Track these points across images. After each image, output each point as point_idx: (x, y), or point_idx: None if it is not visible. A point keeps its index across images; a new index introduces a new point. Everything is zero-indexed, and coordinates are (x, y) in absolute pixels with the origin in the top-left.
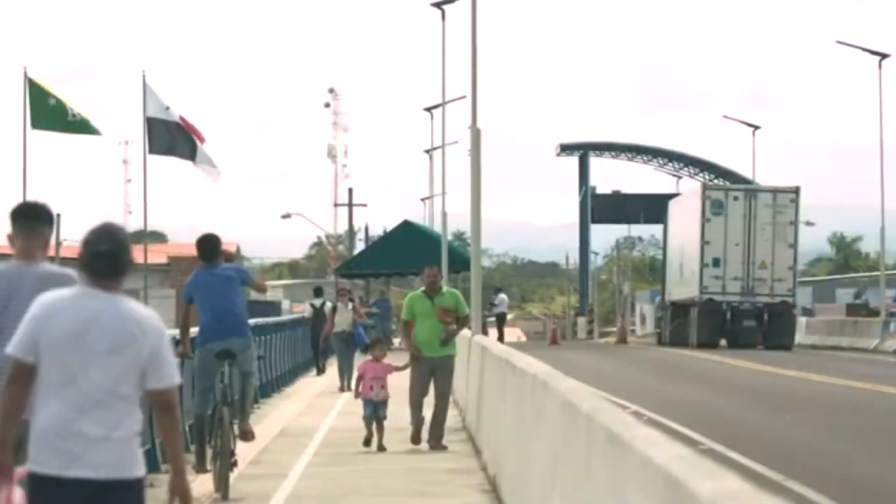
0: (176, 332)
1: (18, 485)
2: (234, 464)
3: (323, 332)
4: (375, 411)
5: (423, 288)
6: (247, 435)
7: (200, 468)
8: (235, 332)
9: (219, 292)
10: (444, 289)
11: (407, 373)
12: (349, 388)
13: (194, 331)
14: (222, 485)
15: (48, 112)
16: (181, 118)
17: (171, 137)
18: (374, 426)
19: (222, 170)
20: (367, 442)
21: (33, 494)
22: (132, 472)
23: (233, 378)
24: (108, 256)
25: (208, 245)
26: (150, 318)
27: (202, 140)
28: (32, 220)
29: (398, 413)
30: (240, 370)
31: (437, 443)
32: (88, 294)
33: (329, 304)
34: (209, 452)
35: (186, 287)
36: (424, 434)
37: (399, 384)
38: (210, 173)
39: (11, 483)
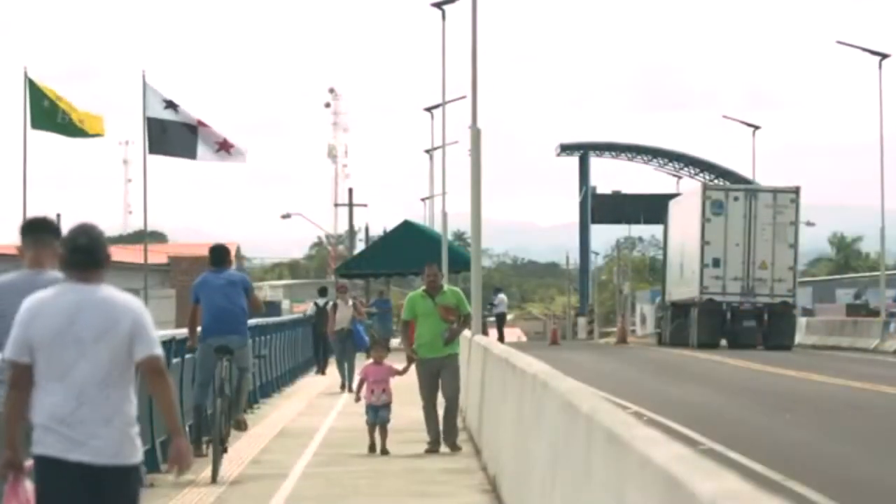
0: (174, 331)
1: (27, 476)
2: (225, 450)
3: (328, 328)
4: (377, 415)
5: (423, 287)
6: (240, 424)
7: (197, 453)
8: (233, 330)
9: (222, 293)
10: (445, 287)
11: (410, 373)
12: (350, 390)
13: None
14: (212, 469)
15: (44, 113)
16: (198, 121)
17: (173, 137)
18: (376, 431)
19: (223, 170)
20: (371, 449)
21: (39, 475)
22: (129, 460)
23: (230, 373)
24: (85, 250)
25: (218, 252)
26: (128, 299)
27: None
28: (41, 232)
29: (397, 412)
30: (237, 366)
31: (451, 444)
32: (70, 289)
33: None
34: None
35: (193, 288)
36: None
37: (401, 383)
38: (234, 158)
39: (23, 477)
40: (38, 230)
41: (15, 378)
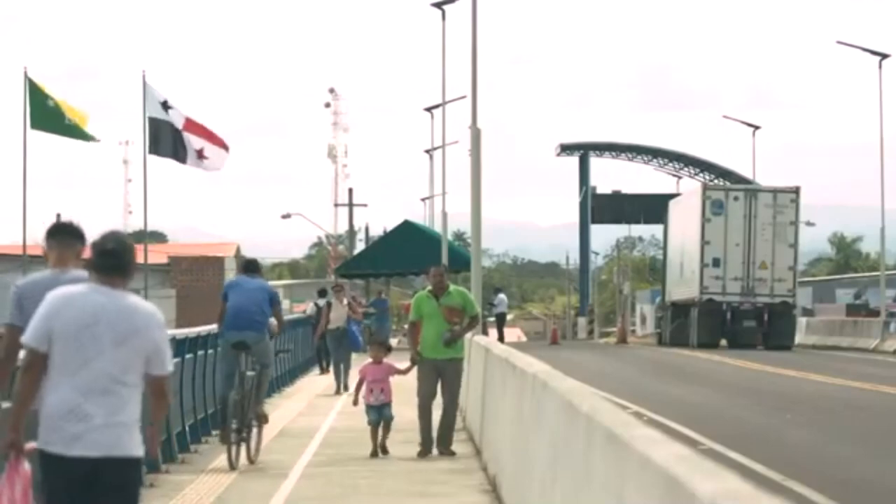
0: (175, 331)
1: (27, 459)
2: (243, 439)
3: (318, 329)
4: (379, 415)
5: (429, 287)
6: (260, 418)
7: (224, 441)
8: (250, 326)
9: (247, 294)
10: (451, 287)
11: (412, 373)
12: (346, 388)
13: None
14: (227, 457)
15: (47, 113)
16: (188, 121)
17: (168, 139)
18: (379, 432)
19: (223, 170)
20: (374, 454)
21: (41, 469)
22: (129, 452)
23: (250, 366)
24: (113, 254)
25: (250, 263)
26: (153, 311)
27: (225, 148)
28: (64, 235)
29: (397, 412)
30: (256, 360)
31: (445, 449)
32: (96, 290)
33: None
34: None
35: (225, 286)
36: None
37: (402, 382)
38: (206, 167)
39: (23, 458)
40: (62, 233)
41: (30, 364)
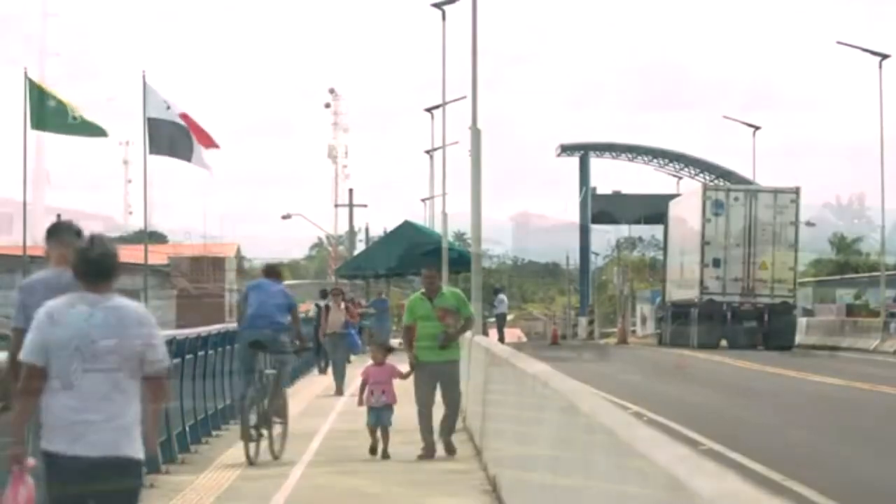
0: (175, 332)
1: (29, 473)
2: (261, 435)
3: (321, 330)
4: (378, 418)
5: (422, 290)
6: (279, 412)
7: (243, 438)
8: (266, 325)
9: (268, 295)
10: (444, 289)
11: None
12: (341, 392)
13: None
14: (245, 453)
15: (49, 113)
16: (184, 116)
17: (171, 138)
18: (378, 433)
19: (223, 170)
20: (372, 450)
21: (43, 469)
22: (128, 452)
23: (269, 364)
24: (96, 262)
25: (273, 268)
26: (141, 312)
27: (215, 146)
28: (63, 234)
29: (398, 413)
30: (276, 358)
31: (446, 446)
32: (84, 298)
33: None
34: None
35: (246, 287)
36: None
37: (401, 383)
38: (204, 167)
39: (26, 470)
40: (61, 232)
41: (29, 379)
